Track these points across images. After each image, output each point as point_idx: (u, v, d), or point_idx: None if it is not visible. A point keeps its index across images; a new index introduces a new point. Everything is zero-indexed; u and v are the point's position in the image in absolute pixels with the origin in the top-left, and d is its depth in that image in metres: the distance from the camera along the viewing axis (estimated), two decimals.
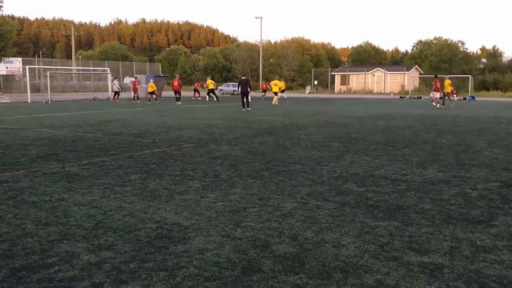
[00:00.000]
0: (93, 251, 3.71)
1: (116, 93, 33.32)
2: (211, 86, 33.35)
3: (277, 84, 30.23)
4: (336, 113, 20.65)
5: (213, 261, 3.50)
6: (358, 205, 5.06)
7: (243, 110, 21.29)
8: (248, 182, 6.21)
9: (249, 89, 22.20)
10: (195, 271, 3.32)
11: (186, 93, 41.74)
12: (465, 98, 39.82)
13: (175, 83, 30.27)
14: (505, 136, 11.68)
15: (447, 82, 26.53)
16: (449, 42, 72.02)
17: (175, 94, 29.70)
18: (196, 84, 39.50)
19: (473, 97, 40.76)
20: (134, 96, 31.63)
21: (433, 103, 25.38)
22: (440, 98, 25.70)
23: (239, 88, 22.43)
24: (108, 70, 38.63)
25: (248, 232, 4.15)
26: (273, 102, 27.99)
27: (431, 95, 25.89)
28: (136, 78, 34.89)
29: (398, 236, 4.05)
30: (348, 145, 9.87)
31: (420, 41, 78.64)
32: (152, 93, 29.73)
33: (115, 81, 34.32)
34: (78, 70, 52.49)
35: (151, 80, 31.36)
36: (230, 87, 52.30)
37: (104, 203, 5.12)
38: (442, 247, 3.80)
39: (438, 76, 27.66)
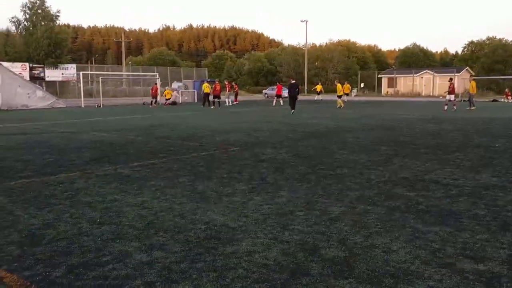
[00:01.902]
0: (145, 250, 3.82)
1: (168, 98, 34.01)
2: (207, 90, 30.72)
3: (340, 89, 30.06)
4: (383, 116, 20.25)
5: (261, 263, 3.52)
6: (408, 210, 4.95)
7: (291, 112, 21.56)
8: (294, 185, 6.21)
9: (298, 93, 22.96)
10: (244, 272, 3.35)
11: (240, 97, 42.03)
12: None
13: (217, 88, 29.99)
14: None
15: (473, 84, 26.74)
16: (503, 42, 69.13)
17: (214, 99, 29.57)
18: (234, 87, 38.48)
19: None
20: (151, 101, 31.84)
21: (446, 106, 24.41)
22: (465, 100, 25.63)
23: (289, 91, 23.22)
24: (157, 75, 39.60)
25: (296, 236, 4.15)
26: (337, 106, 27.60)
27: (447, 98, 25.04)
28: (156, 84, 33.88)
29: (451, 243, 3.93)
30: (396, 148, 9.67)
31: (471, 42, 75.98)
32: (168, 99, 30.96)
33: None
34: (128, 75, 54.16)
35: (167, 88, 32.62)
36: (274, 91, 52.05)
37: (155, 204, 5.26)
38: (499, 255, 3.66)
39: (470, 78, 28.33)
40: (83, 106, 31.53)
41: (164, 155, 8.97)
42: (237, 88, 38.93)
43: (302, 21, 59.72)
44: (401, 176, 6.78)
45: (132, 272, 3.38)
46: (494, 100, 39.87)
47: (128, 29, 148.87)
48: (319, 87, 44.26)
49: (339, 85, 30.43)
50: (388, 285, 3.12)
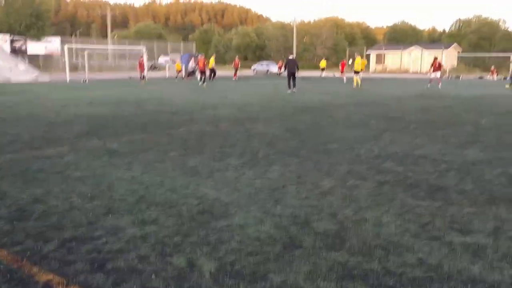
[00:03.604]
0: (137, 224, 3.82)
1: (191, 72, 33.29)
2: (211, 65, 31.29)
3: (363, 63, 26.33)
4: (373, 92, 20.30)
5: (254, 236, 3.56)
6: (398, 184, 5.01)
7: (288, 91, 19.90)
8: (286, 160, 6.23)
9: (297, 70, 20.98)
10: (237, 245, 3.39)
11: (221, 72, 41.72)
12: (505, 78, 38.34)
13: (200, 63, 27.52)
14: None
15: None
16: (489, 20, 69.33)
17: (200, 74, 27.11)
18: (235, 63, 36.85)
19: None
20: (141, 76, 30.03)
21: (433, 82, 24.23)
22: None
23: (286, 68, 21.18)
24: (144, 48, 39.01)
25: (288, 209, 4.18)
26: (354, 85, 24.02)
27: (432, 75, 24.66)
28: (141, 57, 33.18)
29: (439, 216, 4.00)
30: (387, 124, 9.73)
31: (459, 20, 76.00)
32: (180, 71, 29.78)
33: (192, 60, 34.32)
34: (114, 49, 53.27)
35: (178, 60, 31.28)
36: (264, 66, 51.75)
37: (145, 179, 5.25)
38: (486, 227, 3.74)
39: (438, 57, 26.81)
40: (68, 80, 31.05)
41: (153, 130, 8.92)
42: (238, 64, 37.64)
43: None
44: (391, 151, 6.84)
45: (126, 246, 3.39)
46: (480, 77, 40.15)
47: (113, 2, 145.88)
48: (323, 63, 43.52)
49: (358, 58, 25.63)
50: (379, 257, 3.18)
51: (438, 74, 24.62)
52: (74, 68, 44.73)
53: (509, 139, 7.92)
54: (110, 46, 56.13)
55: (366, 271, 2.99)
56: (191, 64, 33.96)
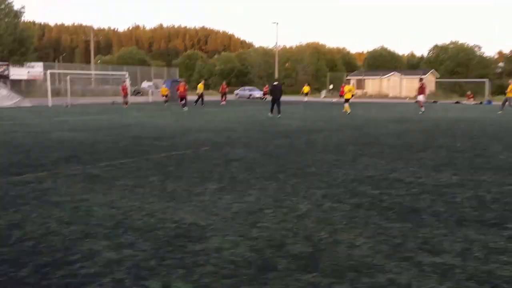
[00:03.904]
0: (114, 249, 3.85)
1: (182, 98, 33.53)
2: (201, 89, 32.38)
3: (351, 90, 25.18)
4: (351, 117, 20.65)
5: (229, 259, 3.61)
6: (372, 207, 5.13)
7: (270, 115, 20.24)
8: (264, 184, 6.32)
9: (280, 96, 21.16)
10: (212, 268, 3.44)
11: (208, 98, 41.95)
12: (481, 102, 39.38)
13: (181, 88, 27.59)
14: None
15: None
16: (465, 46, 71.40)
17: (181, 100, 27.19)
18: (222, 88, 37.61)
19: (490, 101, 40.29)
20: (124, 101, 30.23)
21: (422, 108, 23.70)
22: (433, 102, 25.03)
23: (271, 93, 21.46)
24: (127, 74, 39.13)
25: (264, 232, 4.26)
26: (348, 111, 23.13)
27: (419, 98, 24.24)
28: (124, 82, 32.55)
29: (411, 237, 4.12)
30: (363, 148, 9.92)
31: (436, 46, 78.00)
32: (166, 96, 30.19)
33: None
34: (97, 74, 53.28)
35: (163, 85, 31.68)
36: (246, 92, 52.67)
37: (124, 204, 5.28)
38: (455, 248, 3.86)
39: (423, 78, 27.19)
40: (50, 105, 30.89)
41: (134, 155, 8.95)
42: (226, 89, 38.07)
43: (273, 23, 60.01)
44: (367, 174, 6.99)
45: (101, 270, 3.41)
46: (457, 102, 41.12)
47: (97, 27, 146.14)
48: (306, 88, 44.63)
49: (347, 87, 25.62)
50: (351, 278, 3.26)
51: (421, 97, 24.25)
52: (56, 93, 44.57)
53: (481, 162, 8.16)
54: (93, 71, 56.13)
55: None
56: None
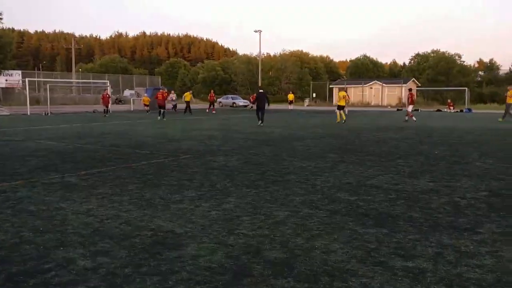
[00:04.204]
0: (89, 257, 3.82)
1: (173, 106, 33.45)
2: (188, 99, 32.65)
3: (344, 97, 23.43)
4: (333, 125, 20.83)
5: (205, 266, 3.62)
6: (349, 213, 5.19)
7: (259, 124, 20.05)
8: (243, 191, 6.34)
9: (267, 103, 21.10)
10: (187, 275, 3.44)
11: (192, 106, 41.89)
12: (462, 110, 40.08)
13: (159, 97, 26.52)
14: (500, 147, 11.83)
15: (511, 92, 24.16)
16: (446, 54, 72.67)
17: (160, 108, 26.01)
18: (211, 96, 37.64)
19: (469, 109, 41.01)
20: (104, 110, 29.74)
21: (407, 117, 23.92)
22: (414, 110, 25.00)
23: (255, 102, 21.24)
24: (108, 83, 38.88)
25: (241, 239, 4.27)
26: (338, 120, 22.41)
27: (408, 109, 24.34)
28: (105, 90, 32.64)
29: (385, 243, 4.18)
30: (343, 156, 10.02)
31: (417, 54, 79.29)
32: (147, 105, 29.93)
33: (171, 95, 34.64)
34: (78, 82, 52.80)
35: (145, 94, 31.56)
36: (229, 100, 52.85)
37: (101, 212, 5.24)
38: (427, 252, 3.93)
39: (413, 89, 27.08)
40: (29, 113, 30.49)
41: (113, 163, 8.89)
42: (214, 97, 38.28)
43: (256, 31, 60.30)
44: (345, 181, 7.07)
45: (75, 278, 3.39)
46: (438, 110, 41.77)
47: (79, 35, 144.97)
48: (291, 96, 45.14)
49: (340, 93, 23.96)
50: (325, 283, 3.30)
51: (410, 107, 24.29)
52: (36, 101, 44.04)
53: (458, 169, 8.31)
54: (74, 80, 55.62)
55: None
56: (171, 98, 34.31)
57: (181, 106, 33.53)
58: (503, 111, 25.56)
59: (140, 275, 3.45)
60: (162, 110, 25.57)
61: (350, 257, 3.83)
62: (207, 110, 35.39)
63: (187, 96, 32.99)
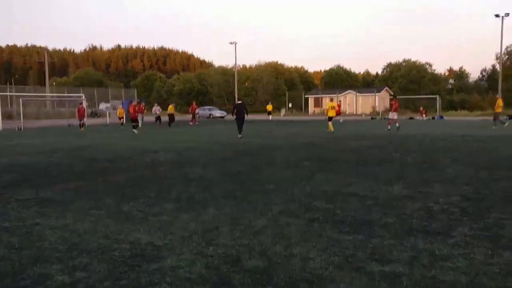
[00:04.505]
0: (67, 272, 3.79)
1: (157, 118, 33.10)
2: (171, 110, 32.65)
3: (334, 107, 23.18)
4: (310, 134, 21.04)
5: (185, 277, 3.64)
6: (326, 221, 5.27)
7: (239, 136, 19.42)
8: (222, 202, 6.37)
9: (246, 114, 20.54)
10: (167, 287, 3.45)
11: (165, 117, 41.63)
12: (433, 118, 40.97)
13: (131, 110, 25.66)
14: (469, 153, 12.16)
15: (499, 102, 24.83)
16: (417, 64, 74.31)
17: (132, 122, 25.21)
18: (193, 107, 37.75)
19: (441, 117, 41.98)
20: (80, 123, 28.65)
21: (391, 124, 23.74)
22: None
23: (235, 113, 20.55)
24: (83, 96, 38.43)
25: (220, 250, 4.30)
26: (331, 130, 21.75)
27: (390, 116, 24.35)
28: (81, 104, 31.88)
29: (362, 248, 4.27)
30: (320, 164, 10.14)
31: (390, 64, 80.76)
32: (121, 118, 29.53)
33: (156, 107, 34.34)
34: (52, 96, 52.00)
35: (120, 106, 31.18)
36: (206, 111, 52.94)
37: (78, 226, 5.20)
38: (403, 257, 4.03)
39: (397, 97, 27.31)
40: (1, 129, 29.87)
41: (90, 177, 8.80)
42: (196, 109, 38.38)
43: (231, 43, 60.60)
44: (322, 189, 7.16)
45: None
46: (410, 118, 42.57)
47: (52, 48, 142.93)
48: (269, 107, 45.49)
49: (330, 104, 23.47)
50: None
51: (395, 115, 24.12)
52: (8, 116, 43.13)
53: (430, 175, 8.51)
54: (47, 94, 54.77)
55: None
56: (155, 110, 34.15)
57: (165, 119, 33.25)
58: (473, 118, 26.23)
59: None
60: (134, 124, 24.63)
61: (328, 263, 3.89)
62: (190, 123, 35.39)
63: (171, 108, 33.02)
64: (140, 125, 31.24)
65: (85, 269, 3.85)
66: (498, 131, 21.12)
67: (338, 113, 36.00)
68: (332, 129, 21.86)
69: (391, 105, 23.94)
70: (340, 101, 49.48)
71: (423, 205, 6.01)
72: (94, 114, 53.51)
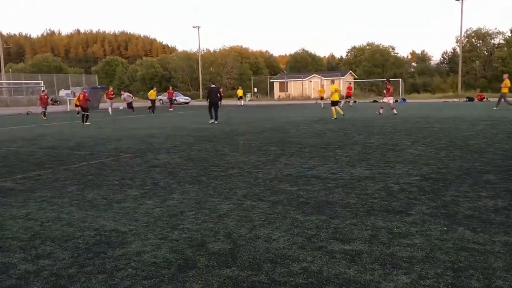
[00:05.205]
0: (30, 260, 3.76)
1: (129, 105, 32.05)
2: (153, 97, 32.19)
3: (337, 90, 20.45)
4: (274, 119, 21.18)
5: (150, 261, 3.67)
6: (290, 203, 5.39)
7: (210, 122, 19.01)
8: (186, 187, 6.40)
9: (219, 99, 19.81)
10: (133, 271, 3.48)
11: (139, 104, 40.90)
12: (396, 101, 41.89)
13: (81, 97, 22.30)
14: (430, 134, 12.55)
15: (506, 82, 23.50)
16: (381, 47, 75.51)
17: (83, 111, 21.75)
18: (169, 93, 37.75)
19: (404, 99, 42.96)
20: (42, 112, 27.25)
21: (388, 110, 22.85)
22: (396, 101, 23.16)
23: (208, 97, 19.76)
24: (42, 83, 37.25)
25: (185, 234, 4.35)
26: (334, 116, 19.78)
27: (385, 100, 23.15)
28: (43, 91, 30.25)
29: (324, 228, 4.40)
30: (284, 148, 10.27)
31: (354, 47, 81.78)
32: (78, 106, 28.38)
33: (125, 94, 33.25)
34: (8, 83, 50.15)
35: (78, 94, 30.14)
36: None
37: (41, 215, 5.13)
38: (363, 235, 4.18)
39: (390, 79, 25.59)
40: None
41: (51, 166, 8.63)
42: (172, 95, 38.06)
43: (194, 27, 59.88)
44: (286, 173, 7.29)
45: (17, 282, 3.34)
46: (374, 101, 43.39)
47: (7, 33, 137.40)
48: (240, 92, 45.24)
49: (332, 87, 20.85)
50: (267, 270, 3.45)
51: (391, 99, 23.02)
52: None
53: (391, 156, 8.77)
54: (3, 81, 52.77)
55: (254, 282, 3.23)
56: (126, 97, 32.94)
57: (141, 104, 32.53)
58: (434, 100, 26.87)
59: (85, 274, 3.45)
60: (84, 114, 21.51)
61: (291, 244, 4.00)
62: (170, 109, 35.11)
63: (152, 94, 32.26)
64: (110, 112, 30.75)
65: (49, 257, 3.83)
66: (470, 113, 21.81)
67: (349, 95, 35.82)
68: (342, 112, 20.04)
69: (387, 89, 22.74)
70: (350, 83, 49.46)
71: (384, 186, 6.21)
72: (54, 101, 52.00)
